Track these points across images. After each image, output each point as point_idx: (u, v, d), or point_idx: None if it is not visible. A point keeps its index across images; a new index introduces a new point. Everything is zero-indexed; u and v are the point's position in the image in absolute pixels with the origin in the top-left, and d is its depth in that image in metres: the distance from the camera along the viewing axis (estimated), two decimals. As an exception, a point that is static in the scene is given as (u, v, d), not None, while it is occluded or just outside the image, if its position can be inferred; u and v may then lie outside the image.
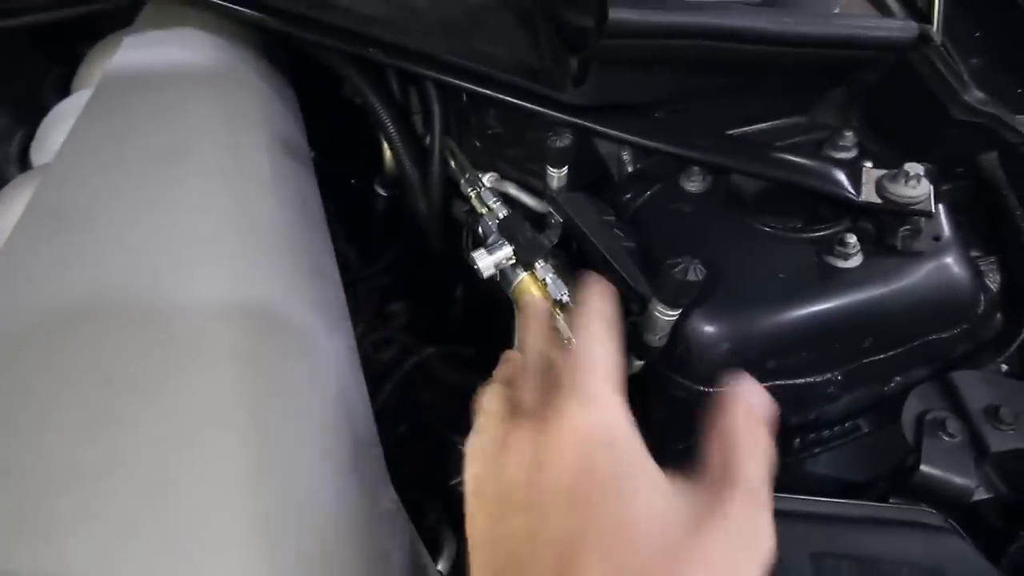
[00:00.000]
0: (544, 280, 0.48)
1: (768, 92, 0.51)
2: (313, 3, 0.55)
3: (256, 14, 0.56)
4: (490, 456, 0.28)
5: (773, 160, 0.45)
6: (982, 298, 0.44)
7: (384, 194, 0.82)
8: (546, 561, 0.22)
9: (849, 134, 0.49)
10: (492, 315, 0.93)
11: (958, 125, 0.45)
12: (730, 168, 0.46)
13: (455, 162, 0.62)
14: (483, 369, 0.78)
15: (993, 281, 0.46)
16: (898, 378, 0.48)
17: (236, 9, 0.57)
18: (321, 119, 0.72)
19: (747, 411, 0.28)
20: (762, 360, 0.43)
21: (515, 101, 0.50)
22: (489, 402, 0.32)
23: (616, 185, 0.54)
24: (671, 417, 0.48)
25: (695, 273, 0.37)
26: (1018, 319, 0.46)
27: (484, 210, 0.54)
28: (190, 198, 0.44)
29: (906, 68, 0.47)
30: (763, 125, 0.54)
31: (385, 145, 0.76)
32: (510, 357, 0.37)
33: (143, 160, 0.46)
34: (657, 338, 0.42)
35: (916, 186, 0.42)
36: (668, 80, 0.46)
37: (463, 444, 0.31)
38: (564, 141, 0.43)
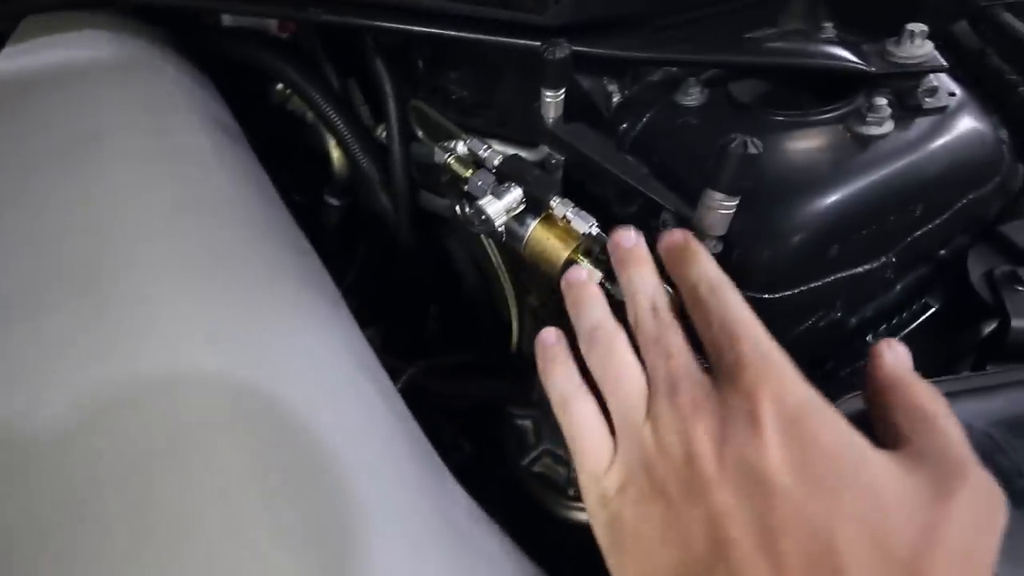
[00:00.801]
0: (565, 216, 0.41)
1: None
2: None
3: (163, -5, 0.48)
4: (668, 454, 0.25)
5: (779, 50, 0.43)
6: (1004, 149, 0.43)
7: (336, 204, 0.73)
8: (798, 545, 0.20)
9: (828, 25, 0.49)
10: (477, 321, 0.85)
11: (934, -8, 0.45)
12: (744, 64, 0.43)
13: (424, 131, 0.55)
14: (478, 374, 0.70)
15: (1003, 135, 0.46)
16: (943, 252, 0.45)
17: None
18: (250, 134, 0.64)
19: (915, 378, 0.27)
20: (825, 248, 0.39)
21: (487, 37, 0.45)
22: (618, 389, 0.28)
23: (608, 118, 0.50)
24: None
25: (754, 146, 0.32)
26: (1040, 166, 0.45)
27: (469, 171, 0.48)
28: (122, 182, 0.34)
29: (867, -50, 0.47)
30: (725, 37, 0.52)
31: (331, 144, 0.69)
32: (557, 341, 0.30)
33: (44, 153, 0.36)
34: (713, 244, 0.37)
35: (922, 44, 0.41)
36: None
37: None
38: (563, 51, 0.38)
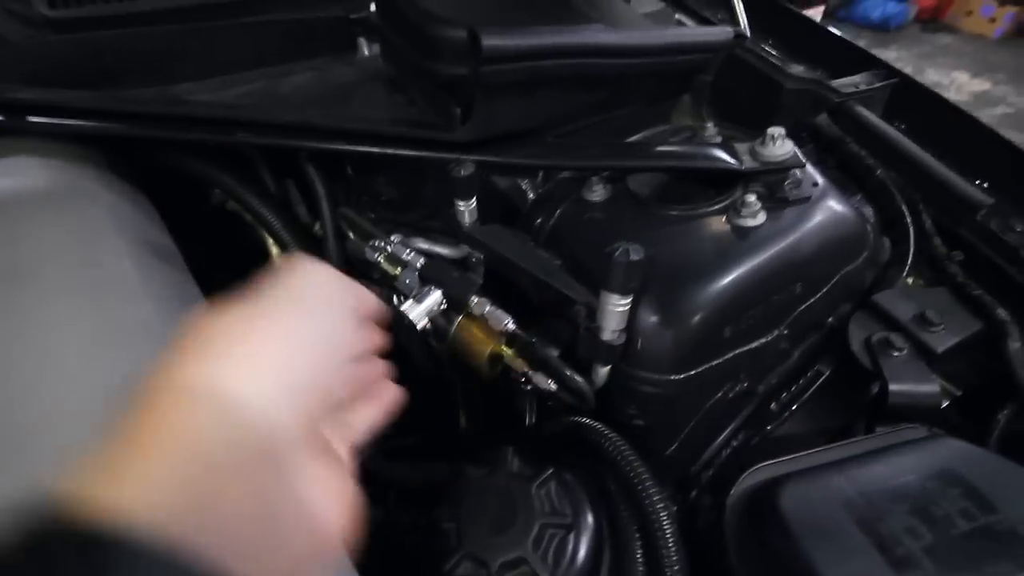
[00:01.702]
0: (483, 315, 0.44)
1: (633, 102, 0.56)
2: (163, 100, 0.51)
3: (94, 125, 0.51)
4: None
5: (663, 154, 0.48)
6: (868, 227, 0.49)
7: (279, 298, 0.74)
8: None
9: (710, 124, 0.55)
10: (428, 396, 0.86)
11: (791, 94, 0.52)
12: (629, 168, 0.48)
13: (354, 232, 0.58)
14: (436, 455, 0.70)
15: (868, 214, 0.52)
16: (831, 320, 0.50)
17: (67, 125, 0.51)
18: (187, 240, 0.65)
19: None
20: (720, 329, 0.43)
21: (406, 152, 0.49)
22: None
23: (524, 214, 0.54)
24: (651, 420, 0.45)
25: (636, 253, 0.36)
26: (903, 237, 0.51)
27: (398, 269, 0.51)
28: (40, 321, 0.35)
29: (736, 62, 0.54)
30: (636, 137, 0.59)
31: (270, 243, 0.71)
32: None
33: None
34: (616, 335, 0.40)
35: (783, 144, 0.48)
36: (547, 102, 0.49)
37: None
38: (468, 169, 0.42)
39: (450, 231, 0.60)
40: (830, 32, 0.64)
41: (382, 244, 0.54)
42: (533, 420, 0.59)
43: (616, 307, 0.38)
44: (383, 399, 0.33)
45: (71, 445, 0.25)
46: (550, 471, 0.39)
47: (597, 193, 0.51)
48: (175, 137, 0.51)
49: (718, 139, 0.54)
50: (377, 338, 0.32)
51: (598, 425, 0.44)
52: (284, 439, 0.23)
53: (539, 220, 0.52)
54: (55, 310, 0.37)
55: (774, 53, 0.55)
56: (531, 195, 0.55)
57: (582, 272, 0.46)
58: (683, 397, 0.44)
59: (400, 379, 0.76)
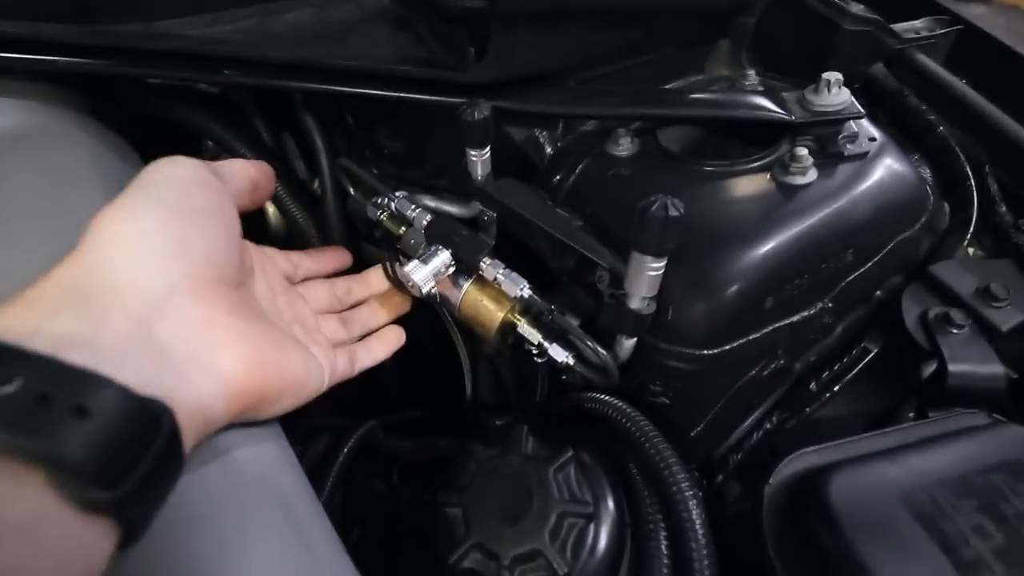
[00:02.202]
0: (495, 279, 0.40)
1: (665, 46, 0.50)
2: (144, 35, 0.46)
3: (68, 60, 0.46)
4: None
5: (700, 102, 0.43)
6: (927, 189, 0.44)
7: (276, 259, 0.70)
8: None
9: (751, 72, 0.49)
10: (435, 370, 0.82)
11: (848, 36, 0.46)
12: (663, 118, 0.43)
13: (355, 188, 0.54)
14: (441, 430, 0.67)
15: (926, 175, 0.47)
16: (879, 293, 0.46)
17: (36, 60, 0.46)
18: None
19: None
20: (760, 300, 0.38)
21: (411, 96, 0.43)
22: None
23: (542, 170, 0.49)
24: (677, 397, 0.41)
25: (675, 207, 0.31)
26: (964, 202, 0.46)
27: (402, 228, 0.46)
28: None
29: (785, 1, 0.48)
30: (667, 87, 0.53)
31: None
32: None
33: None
34: (646, 304, 0.36)
35: (839, 92, 0.42)
36: (571, 40, 0.43)
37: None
38: (482, 111, 0.37)
39: (459, 187, 0.55)
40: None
41: (385, 201, 0.49)
42: (544, 395, 0.56)
43: (648, 270, 0.34)
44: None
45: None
46: (569, 453, 0.35)
47: (623, 147, 0.46)
48: (155, 74, 0.46)
49: (760, 88, 0.48)
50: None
51: (618, 402, 0.40)
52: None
53: (558, 176, 0.47)
54: (16, 260, 0.33)
55: (826, -8, 0.49)
56: (549, 149, 0.50)
57: (606, 234, 0.42)
58: (714, 374, 0.40)
59: (409, 355, 0.72)
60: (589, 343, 0.37)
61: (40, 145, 0.44)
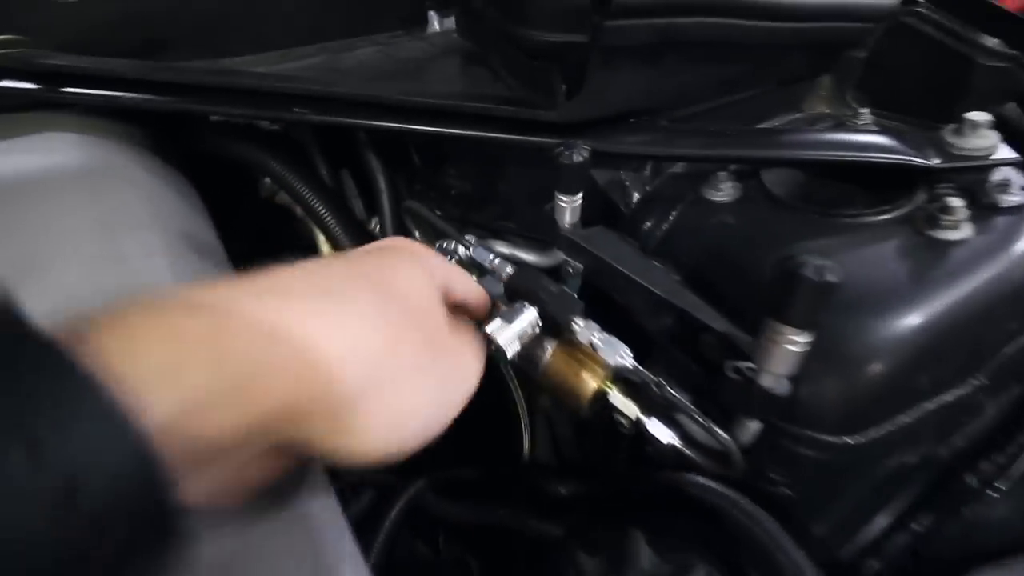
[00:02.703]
0: (590, 343, 0.35)
1: (766, 82, 0.45)
2: (212, 71, 0.44)
3: (134, 96, 0.44)
4: None
5: (823, 143, 0.38)
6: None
7: (327, 302, 0.67)
8: None
9: (865, 111, 0.44)
10: (483, 427, 0.76)
11: (984, 73, 0.41)
12: (782, 160, 0.38)
13: (419, 231, 0.50)
14: (497, 495, 0.61)
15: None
16: (1038, 367, 0.38)
17: (105, 96, 0.44)
18: (232, 235, 0.58)
19: None
20: (912, 377, 0.32)
21: (493, 135, 0.40)
22: None
23: (628, 216, 0.44)
24: (803, 490, 0.35)
25: (832, 272, 0.26)
26: None
27: (474, 276, 0.42)
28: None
29: (905, 32, 0.43)
30: (764, 125, 0.48)
31: (321, 239, 0.63)
32: None
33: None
34: (780, 382, 0.30)
35: (985, 135, 0.36)
36: (672, 75, 0.39)
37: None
38: (581, 153, 0.33)
39: (529, 230, 0.51)
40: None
41: (453, 246, 0.45)
42: (622, 465, 0.49)
43: (788, 344, 0.28)
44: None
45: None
46: (700, 573, 0.29)
47: (724, 192, 0.41)
48: (223, 112, 0.44)
49: (880, 128, 0.43)
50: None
51: (738, 497, 0.33)
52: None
53: (648, 223, 0.42)
54: (65, 313, 0.29)
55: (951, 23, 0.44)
56: (636, 194, 0.45)
57: (709, 291, 0.36)
58: (853, 464, 0.34)
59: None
60: (710, 426, 0.31)
61: (97, 185, 0.41)
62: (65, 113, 0.47)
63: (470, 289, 0.32)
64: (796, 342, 0.28)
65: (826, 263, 0.26)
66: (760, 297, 0.28)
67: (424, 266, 0.27)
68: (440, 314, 0.26)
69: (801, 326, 0.27)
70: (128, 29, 0.50)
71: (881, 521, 0.39)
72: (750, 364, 0.31)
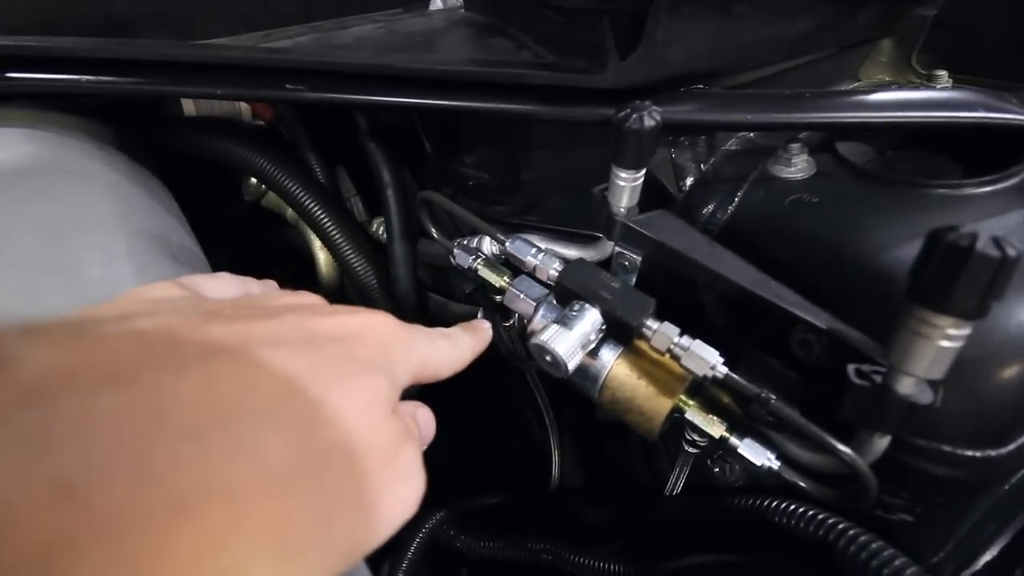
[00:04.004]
0: (669, 350, 0.28)
1: (826, 43, 0.40)
2: (183, 46, 0.37)
3: (92, 79, 0.37)
4: None
5: (918, 102, 0.32)
6: None
7: (324, 315, 0.59)
8: None
9: (943, 73, 0.39)
10: (505, 447, 0.70)
11: (1083, 23, 0.36)
12: (874, 125, 0.32)
13: (437, 227, 0.43)
14: (521, 523, 0.54)
15: None
16: None
17: (58, 81, 0.37)
18: (215, 242, 0.51)
19: None
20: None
21: (528, 107, 0.33)
22: None
23: (681, 200, 0.39)
24: (928, 514, 0.29)
25: (1011, 244, 0.20)
26: None
27: (504, 278, 0.35)
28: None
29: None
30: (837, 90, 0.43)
31: (316, 245, 0.56)
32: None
33: None
34: (922, 389, 0.24)
35: (1109, 88, 0.31)
36: (738, 32, 0.33)
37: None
38: (653, 117, 0.27)
39: (572, 226, 0.45)
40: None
41: (477, 243, 0.39)
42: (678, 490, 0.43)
43: (944, 340, 0.22)
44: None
45: None
46: None
47: (797, 166, 0.35)
48: (199, 93, 0.37)
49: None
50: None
51: (852, 527, 0.27)
52: None
53: (710, 207, 0.36)
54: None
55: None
56: (690, 175, 0.39)
57: (793, 282, 0.30)
58: (991, 481, 0.28)
59: (472, 425, 0.59)
60: (839, 448, 0.25)
61: (47, 183, 0.34)
62: (13, 105, 0.40)
63: (452, 359, 0.25)
64: (953, 336, 0.22)
65: (1001, 236, 0.20)
66: (872, 285, 0.22)
67: (385, 372, 0.19)
68: (377, 448, 0.17)
69: (967, 315, 0.21)
70: (86, 7, 0.43)
71: (1003, 542, 0.33)
72: (878, 368, 0.25)
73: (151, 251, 0.30)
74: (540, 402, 0.53)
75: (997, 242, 0.20)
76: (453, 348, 0.25)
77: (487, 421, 0.69)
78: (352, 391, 0.17)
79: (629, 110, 0.27)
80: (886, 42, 0.43)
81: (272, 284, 0.25)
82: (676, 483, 0.41)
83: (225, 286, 0.23)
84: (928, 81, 0.39)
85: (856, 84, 0.44)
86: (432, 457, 0.22)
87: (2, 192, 0.32)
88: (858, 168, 0.34)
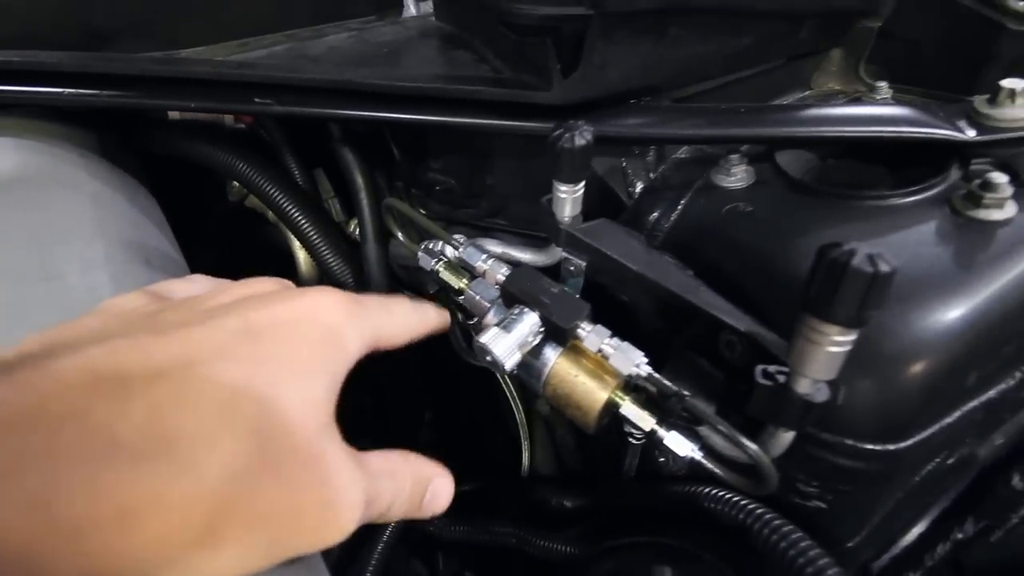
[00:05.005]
0: (600, 351, 0.31)
1: (774, 55, 0.42)
2: (158, 61, 0.39)
3: (73, 92, 0.39)
4: None
5: (847, 118, 0.34)
6: None
7: (306, 311, 0.62)
8: None
9: (883, 84, 0.41)
10: (478, 436, 0.73)
11: (1013, 39, 0.37)
12: (802, 139, 0.34)
13: (402, 231, 0.45)
14: (492, 506, 0.57)
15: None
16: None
17: (39, 94, 0.39)
18: (197, 245, 0.53)
19: None
20: (961, 374, 0.29)
21: (483, 121, 0.36)
22: None
23: (630, 207, 0.41)
24: (839, 502, 0.31)
25: (885, 261, 0.22)
26: None
27: (463, 281, 0.38)
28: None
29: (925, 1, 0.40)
30: (773, 104, 0.44)
31: (297, 246, 0.59)
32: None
33: None
34: (819, 388, 0.26)
35: (1024, 104, 0.33)
36: (676, 50, 0.35)
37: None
38: (584, 137, 0.29)
39: (533, 229, 0.47)
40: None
41: (440, 247, 0.41)
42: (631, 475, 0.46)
43: (829, 346, 0.24)
44: None
45: None
46: None
47: (736, 176, 0.37)
48: (174, 106, 0.39)
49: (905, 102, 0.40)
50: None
51: (765, 511, 0.30)
52: None
53: (655, 215, 0.39)
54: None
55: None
56: (639, 183, 0.41)
57: (724, 288, 0.33)
58: (893, 473, 0.30)
59: (450, 414, 0.62)
60: (738, 438, 0.28)
61: (31, 193, 0.36)
62: (2, 115, 0.42)
63: (408, 325, 0.25)
64: (840, 342, 0.24)
65: (877, 252, 0.22)
66: (792, 292, 0.25)
67: (334, 352, 0.21)
68: (317, 440, 0.19)
69: (847, 324, 0.23)
70: (65, 19, 0.45)
71: (918, 529, 0.36)
72: (782, 368, 0.27)
73: (127, 259, 0.33)
74: (508, 395, 0.56)
75: (871, 258, 0.22)
76: (410, 313, 0.25)
77: (466, 413, 0.72)
78: (293, 394, 0.19)
79: (562, 130, 0.29)
80: (836, 52, 0.45)
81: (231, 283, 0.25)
82: (628, 471, 0.44)
83: (194, 288, 0.25)
84: (870, 91, 0.41)
85: (806, 93, 0.46)
86: (414, 447, 0.24)
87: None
88: (792, 179, 0.36)
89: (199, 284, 0.26)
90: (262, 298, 0.21)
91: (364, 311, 0.23)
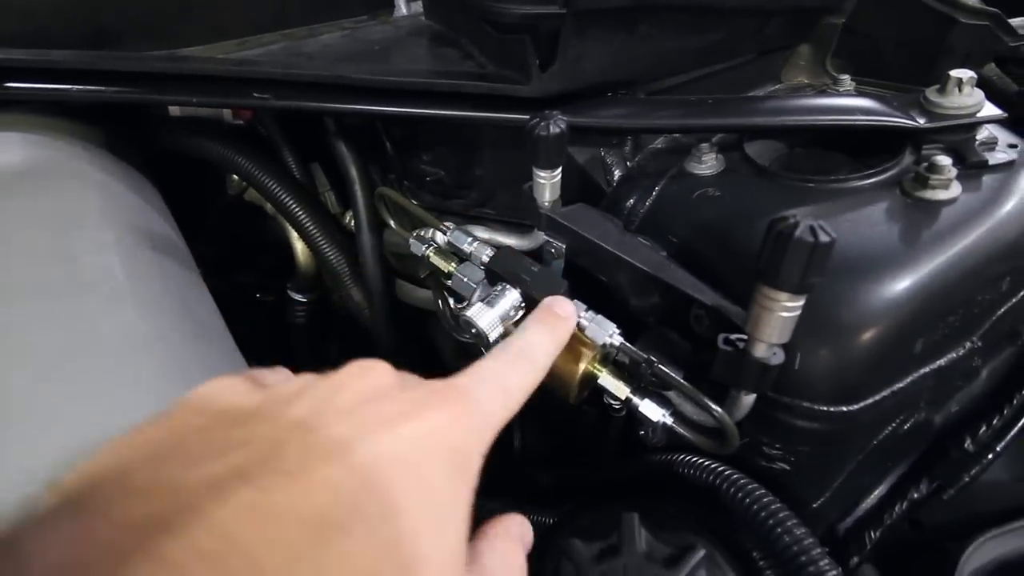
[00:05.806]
0: (577, 324, 0.33)
1: (744, 51, 0.44)
2: (161, 59, 0.41)
3: (82, 89, 0.41)
4: None
5: (806, 108, 0.36)
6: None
7: (302, 300, 0.64)
8: None
9: (845, 77, 0.43)
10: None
11: (964, 32, 0.40)
12: (767, 129, 0.37)
13: (395, 220, 0.48)
14: (486, 487, 0.60)
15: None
16: (1029, 327, 0.38)
17: (51, 90, 0.41)
18: (200, 236, 0.55)
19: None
20: (908, 342, 0.31)
21: (466, 113, 0.38)
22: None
23: (609, 194, 0.43)
24: (801, 462, 0.34)
25: (824, 231, 0.25)
26: None
27: (452, 264, 0.40)
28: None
29: (883, -4, 0.42)
30: (750, 95, 0.47)
31: (293, 236, 0.61)
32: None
33: None
34: (773, 352, 0.29)
35: (970, 92, 0.36)
36: (647, 45, 0.37)
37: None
38: (558, 125, 0.31)
39: (510, 215, 0.50)
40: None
41: (431, 234, 0.43)
42: (614, 450, 0.48)
43: (781, 312, 0.27)
44: None
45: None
46: (700, 553, 0.28)
47: (707, 164, 0.40)
48: (177, 101, 0.41)
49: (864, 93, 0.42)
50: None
51: (732, 472, 0.32)
52: None
53: (631, 200, 0.41)
54: (14, 315, 0.27)
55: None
56: (617, 171, 0.43)
57: (696, 265, 0.35)
58: (850, 434, 0.33)
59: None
60: (703, 400, 0.30)
61: (45, 183, 0.39)
62: (11, 111, 0.44)
63: (529, 384, 0.23)
64: (789, 308, 0.27)
65: (819, 222, 0.25)
66: (750, 265, 0.27)
67: (460, 478, 0.18)
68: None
69: (794, 290, 0.26)
70: (75, 19, 0.47)
71: (880, 491, 0.38)
72: (742, 336, 0.30)
73: (136, 243, 0.35)
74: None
75: (813, 229, 0.25)
76: (528, 369, 0.23)
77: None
78: (432, 550, 0.16)
79: (538, 119, 0.31)
80: (804, 47, 0.48)
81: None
82: (611, 441, 0.46)
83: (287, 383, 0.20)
84: (834, 84, 0.43)
85: (777, 86, 0.48)
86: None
87: (7, 191, 0.37)
88: (758, 166, 0.39)
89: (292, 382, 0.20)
90: (385, 396, 0.18)
91: (482, 413, 0.20)
